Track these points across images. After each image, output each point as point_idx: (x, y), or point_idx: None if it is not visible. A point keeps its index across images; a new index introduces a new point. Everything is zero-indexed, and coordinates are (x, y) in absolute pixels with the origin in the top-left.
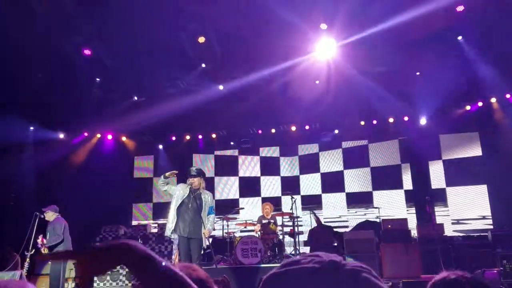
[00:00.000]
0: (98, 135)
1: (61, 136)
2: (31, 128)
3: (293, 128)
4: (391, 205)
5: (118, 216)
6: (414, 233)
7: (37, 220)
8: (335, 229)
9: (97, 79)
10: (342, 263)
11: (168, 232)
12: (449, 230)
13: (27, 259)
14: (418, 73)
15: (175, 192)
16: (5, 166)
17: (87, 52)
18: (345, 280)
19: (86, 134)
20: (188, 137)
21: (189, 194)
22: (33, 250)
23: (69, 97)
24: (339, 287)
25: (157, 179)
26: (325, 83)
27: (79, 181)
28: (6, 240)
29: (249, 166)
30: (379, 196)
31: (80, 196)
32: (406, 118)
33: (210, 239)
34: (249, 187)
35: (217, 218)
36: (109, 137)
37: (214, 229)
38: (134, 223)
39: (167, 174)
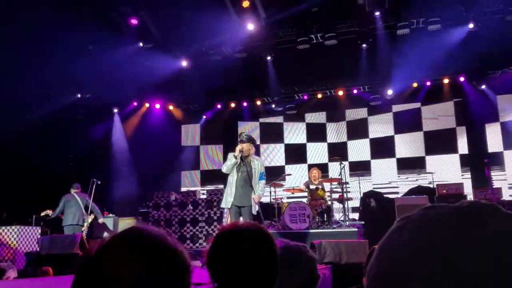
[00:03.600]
0: (147, 105)
1: (112, 105)
2: (82, 95)
3: (341, 93)
4: (445, 170)
5: (168, 183)
6: (470, 198)
7: (94, 186)
8: (385, 195)
9: (144, 47)
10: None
11: (224, 204)
12: (507, 195)
13: (85, 223)
14: (471, 26)
15: (230, 164)
16: (62, 134)
17: (134, 21)
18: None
19: (135, 103)
20: (233, 105)
21: (240, 162)
22: (92, 215)
23: (118, 67)
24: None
25: (205, 148)
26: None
27: (131, 148)
28: None
29: (294, 133)
30: (432, 161)
31: (132, 163)
32: (462, 79)
33: (258, 205)
34: (295, 154)
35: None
36: (157, 106)
37: (263, 195)
38: (183, 189)
39: (236, 154)
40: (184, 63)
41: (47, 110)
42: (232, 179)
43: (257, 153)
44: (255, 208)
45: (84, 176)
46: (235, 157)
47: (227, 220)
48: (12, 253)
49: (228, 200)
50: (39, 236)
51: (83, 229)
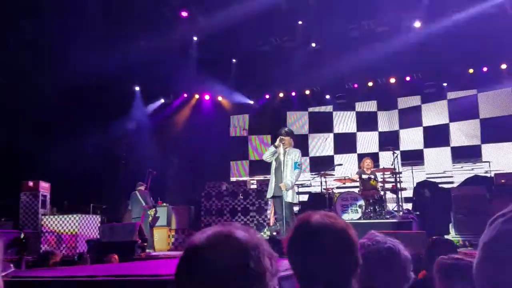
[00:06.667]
0: (197, 96)
1: (163, 98)
2: (137, 88)
3: (392, 80)
4: (503, 159)
5: (218, 173)
6: None
7: (150, 177)
8: (439, 185)
9: (194, 38)
10: None
11: (268, 195)
12: None
13: (150, 216)
14: None
15: (268, 152)
16: (117, 128)
17: (184, 13)
18: None
19: (185, 95)
20: (281, 95)
21: (278, 154)
22: (154, 208)
23: (168, 59)
24: None
25: (251, 137)
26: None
27: (183, 140)
28: (120, 196)
29: (344, 122)
30: (488, 150)
31: (184, 154)
32: None
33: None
34: (345, 143)
35: (314, 174)
36: (207, 97)
37: (294, 185)
38: (232, 179)
39: (276, 144)
40: (234, 60)
41: (102, 101)
42: (273, 170)
43: (306, 143)
44: (288, 198)
45: (138, 167)
46: (275, 147)
47: (271, 210)
48: (74, 240)
49: (270, 190)
50: (99, 224)
51: (149, 219)
